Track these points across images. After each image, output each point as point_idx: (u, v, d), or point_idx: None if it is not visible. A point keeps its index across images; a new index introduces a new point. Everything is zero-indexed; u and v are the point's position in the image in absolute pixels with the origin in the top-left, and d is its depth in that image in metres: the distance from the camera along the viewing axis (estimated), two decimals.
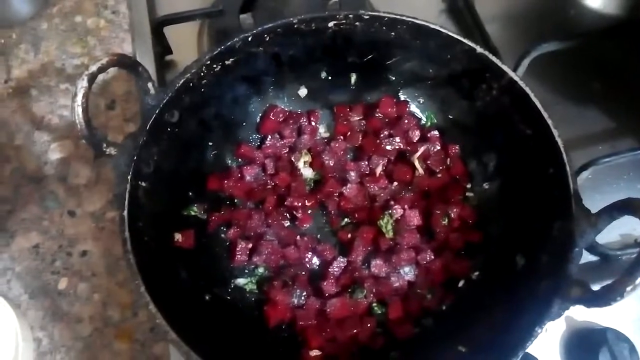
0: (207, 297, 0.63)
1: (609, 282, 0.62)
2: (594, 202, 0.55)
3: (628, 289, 0.45)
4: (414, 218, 0.68)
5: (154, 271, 0.54)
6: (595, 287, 0.50)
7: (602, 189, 0.74)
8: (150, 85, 0.60)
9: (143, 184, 0.59)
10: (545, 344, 0.63)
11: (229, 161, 0.72)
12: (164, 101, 0.60)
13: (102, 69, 0.55)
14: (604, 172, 0.73)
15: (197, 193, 0.68)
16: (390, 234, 0.68)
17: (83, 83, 0.54)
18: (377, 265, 0.66)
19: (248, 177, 0.71)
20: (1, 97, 0.82)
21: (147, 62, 0.80)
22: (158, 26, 0.82)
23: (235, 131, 0.72)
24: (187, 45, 0.86)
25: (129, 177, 0.56)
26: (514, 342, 0.50)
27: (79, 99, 0.54)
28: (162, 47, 0.83)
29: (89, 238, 0.72)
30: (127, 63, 0.59)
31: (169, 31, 0.83)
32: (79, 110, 0.54)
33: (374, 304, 0.66)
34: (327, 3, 0.84)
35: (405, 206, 0.69)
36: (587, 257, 0.68)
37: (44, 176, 0.76)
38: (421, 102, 0.74)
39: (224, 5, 0.82)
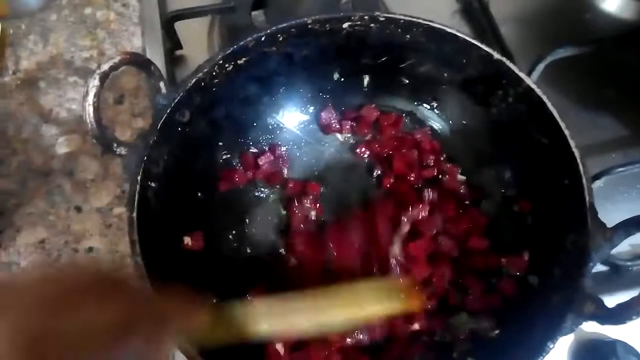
0: (214, 300, 0.62)
1: (618, 293, 0.63)
2: (606, 212, 0.54)
3: None
4: None
5: (162, 273, 0.54)
6: (605, 298, 0.50)
7: (614, 198, 0.73)
8: (162, 84, 0.60)
9: (152, 184, 0.58)
10: (553, 355, 0.62)
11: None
12: (176, 100, 0.59)
13: (114, 68, 0.54)
14: (617, 181, 0.71)
15: (207, 194, 0.68)
16: None
17: (95, 82, 0.53)
18: None
19: (265, 166, 0.71)
20: (9, 88, 0.81)
21: (157, 56, 0.79)
22: (169, 21, 0.80)
23: (245, 132, 0.72)
24: (197, 40, 0.85)
25: (138, 178, 0.56)
26: (525, 357, 0.50)
27: (91, 97, 0.53)
28: (172, 42, 0.82)
29: (95, 234, 0.71)
30: (139, 62, 0.58)
31: (179, 26, 0.82)
32: (90, 109, 0.53)
33: None
34: (340, 2, 0.83)
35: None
36: (596, 268, 0.67)
37: (51, 170, 0.75)
38: (434, 106, 0.73)
39: (235, 2, 0.81)
